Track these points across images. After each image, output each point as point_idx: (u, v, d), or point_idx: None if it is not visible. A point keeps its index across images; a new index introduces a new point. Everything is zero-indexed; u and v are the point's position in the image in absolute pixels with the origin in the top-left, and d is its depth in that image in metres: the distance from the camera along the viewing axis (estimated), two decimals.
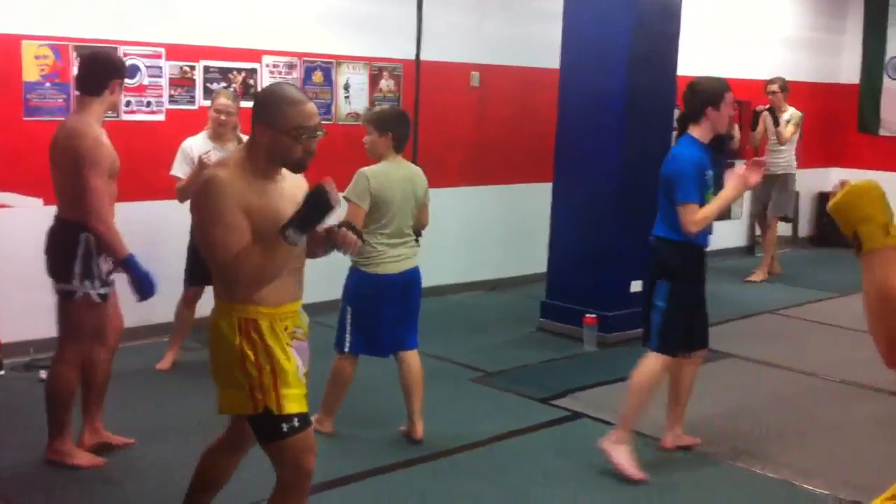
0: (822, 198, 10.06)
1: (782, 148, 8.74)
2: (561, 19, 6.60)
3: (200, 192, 2.78)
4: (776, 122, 8.61)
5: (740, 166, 4.26)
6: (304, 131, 2.78)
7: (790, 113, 8.66)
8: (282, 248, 2.69)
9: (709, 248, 4.40)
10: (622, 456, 4.23)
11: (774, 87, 8.61)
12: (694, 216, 4.11)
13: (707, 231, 4.25)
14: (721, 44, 9.35)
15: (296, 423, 2.84)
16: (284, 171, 2.90)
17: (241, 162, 2.86)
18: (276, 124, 2.77)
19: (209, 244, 2.76)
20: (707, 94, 4.22)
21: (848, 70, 10.96)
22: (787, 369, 6.05)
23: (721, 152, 8.12)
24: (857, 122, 10.90)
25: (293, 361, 2.88)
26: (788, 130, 8.61)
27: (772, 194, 8.83)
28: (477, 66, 7.60)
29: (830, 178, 10.62)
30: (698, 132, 4.25)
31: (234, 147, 5.39)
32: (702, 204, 4.14)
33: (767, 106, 8.64)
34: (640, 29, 6.22)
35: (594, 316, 6.31)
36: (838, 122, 10.76)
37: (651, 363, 4.29)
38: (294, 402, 2.84)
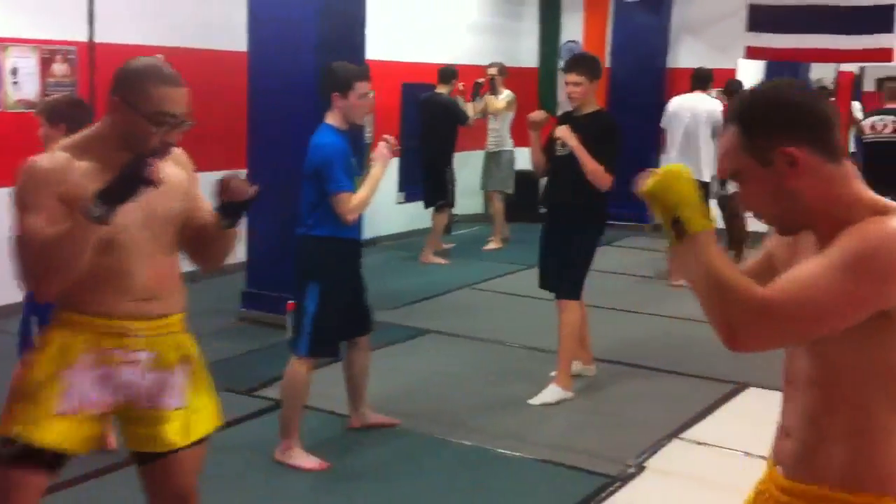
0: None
1: (496, 127, 9.59)
2: (246, 0, 6.46)
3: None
4: (493, 94, 9.44)
5: (380, 144, 4.31)
6: (168, 118, 2.37)
7: (505, 94, 9.51)
8: (76, 229, 2.26)
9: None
10: (297, 459, 4.22)
11: (493, 71, 9.45)
12: (350, 204, 4.08)
13: (358, 222, 4.24)
14: (407, 28, 9.57)
15: (11, 448, 2.43)
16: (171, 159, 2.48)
17: (86, 143, 2.44)
18: (136, 103, 2.36)
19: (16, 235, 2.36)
20: (335, 80, 4.18)
21: (527, 54, 11.59)
22: (481, 340, 6.32)
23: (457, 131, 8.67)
24: (538, 103, 11.58)
25: (55, 386, 2.43)
26: (501, 103, 9.40)
27: (491, 170, 9.69)
28: (161, 49, 7.22)
29: (523, 156, 11.21)
30: (333, 119, 4.21)
31: None
32: (352, 191, 4.13)
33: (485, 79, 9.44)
34: (326, 11, 6.21)
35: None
36: (521, 102, 11.35)
37: (297, 370, 4.24)
38: (21, 423, 2.42)
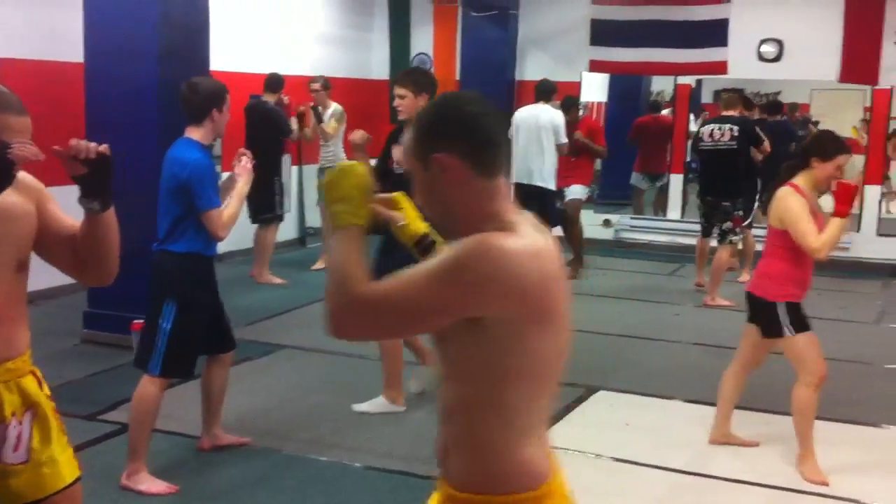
0: None
1: (329, 143, 9.16)
2: (82, 10, 6.21)
3: None
4: (319, 119, 8.92)
5: (243, 159, 4.25)
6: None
7: (333, 108, 9.04)
8: None
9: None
10: (145, 483, 4.08)
11: (317, 86, 8.93)
12: (221, 220, 4.04)
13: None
14: (255, 39, 9.43)
15: None
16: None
17: None
18: None
19: None
20: (212, 95, 4.12)
21: (378, 66, 11.63)
22: (335, 354, 6.24)
23: (283, 142, 8.42)
24: (389, 114, 11.58)
25: None
26: (331, 126, 8.97)
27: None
28: None
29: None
30: (199, 134, 4.13)
31: None
32: (222, 207, 4.08)
33: (311, 104, 8.92)
34: (166, 20, 6.02)
35: (142, 321, 6.03)
36: (373, 115, 11.36)
37: (148, 389, 4.11)
38: None
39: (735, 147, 8.14)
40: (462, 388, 1.85)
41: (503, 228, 1.82)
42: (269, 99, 8.45)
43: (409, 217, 2.13)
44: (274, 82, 8.50)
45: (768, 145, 8.27)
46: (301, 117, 8.89)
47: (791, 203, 4.24)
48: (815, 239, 4.15)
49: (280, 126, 8.41)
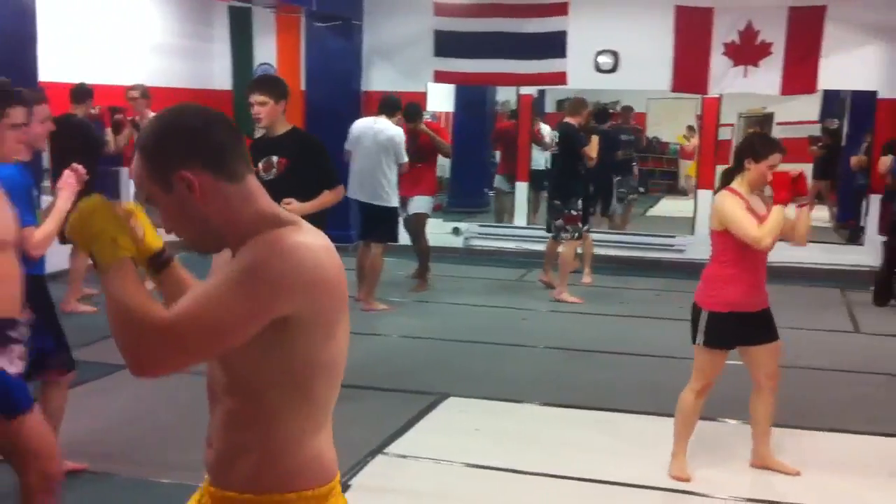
0: None
1: None
2: None
3: None
4: (137, 129, 8.34)
5: (66, 173, 4.04)
6: None
7: (151, 118, 8.59)
8: None
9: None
10: None
11: (135, 94, 8.39)
12: (34, 239, 3.78)
13: (42, 257, 3.94)
14: (88, 49, 9.05)
15: None
16: None
17: None
18: None
19: None
20: None
21: (220, 76, 11.39)
22: (182, 373, 6.04)
23: (97, 159, 7.85)
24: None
25: None
26: None
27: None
28: None
29: None
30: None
31: None
32: (35, 225, 3.82)
33: (131, 117, 8.34)
34: None
35: None
36: None
37: None
38: None
39: (558, 152, 8.76)
40: (257, 394, 1.81)
41: (284, 223, 1.81)
42: (78, 111, 7.75)
43: (147, 230, 2.00)
44: (80, 93, 7.81)
45: (590, 149, 8.66)
46: (117, 126, 8.29)
47: (727, 202, 4.31)
48: (755, 228, 4.20)
49: (88, 140, 7.59)
